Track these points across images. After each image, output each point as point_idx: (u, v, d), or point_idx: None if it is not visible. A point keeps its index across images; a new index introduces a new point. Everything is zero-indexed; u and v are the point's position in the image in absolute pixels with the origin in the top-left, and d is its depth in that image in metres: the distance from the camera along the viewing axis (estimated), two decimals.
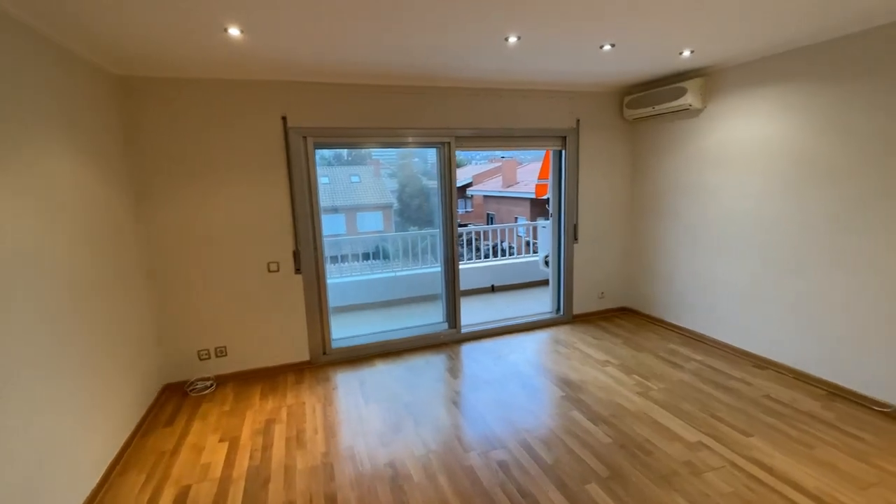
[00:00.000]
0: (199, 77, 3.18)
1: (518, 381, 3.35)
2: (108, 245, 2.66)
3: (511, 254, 6.48)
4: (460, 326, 4.25)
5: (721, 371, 3.38)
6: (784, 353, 3.33)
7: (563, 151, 4.40)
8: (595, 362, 3.63)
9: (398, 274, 5.67)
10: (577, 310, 4.69)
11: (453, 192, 4.02)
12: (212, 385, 3.42)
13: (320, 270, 3.69)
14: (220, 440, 2.72)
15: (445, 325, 4.28)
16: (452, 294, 4.21)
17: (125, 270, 2.87)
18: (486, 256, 6.35)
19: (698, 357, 3.65)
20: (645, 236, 4.55)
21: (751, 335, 3.57)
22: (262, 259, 3.51)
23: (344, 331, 4.15)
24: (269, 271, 3.54)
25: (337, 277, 5.63)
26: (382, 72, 3.30)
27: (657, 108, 3.98)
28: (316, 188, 3.61)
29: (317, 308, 3.71)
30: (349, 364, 3.79)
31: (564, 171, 4.42)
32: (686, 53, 3.13)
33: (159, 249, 3.25)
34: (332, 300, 4.96)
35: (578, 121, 4.35)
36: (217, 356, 3.51)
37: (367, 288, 5.49)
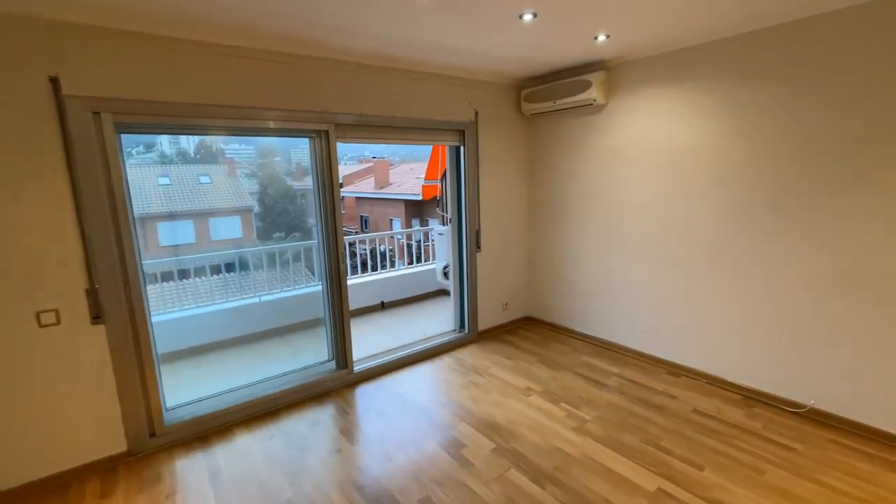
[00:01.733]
0: None
1: (436, 435, 2.65)
2: None
3: (391, 263, 5.76)
4: (352, 365, 3.38)
5: (642, 385, 3.17)
6: (695, 358, 3.25)
7: (462, 148, 3.84)
8: (516, 391, 3.13)
9: (264, 299, 4.50)
10: (482, 325, 4.19)
11: (336, 193, 3.14)
12: None
13: (136, 311, 2.48)
14: None
15: (333, 365, 3.37)
16: (340, 321, 3.32)
17: None
18: (373, 269, 5.51)
19: (615, 370, 3.41)
20: (548, 241, 4.26)
21: (661, 341, 3.46)
22: (25, 309, 2.18)
23: (186, 392, 2.95)
24: (42, 325, 2.22)
25: (174, 311, 4.20)
26: (232, 24, 2.28)
27: (558, 102, 3.66)
28: (124, 192, 2.39)
29: (135, 367, 2.49)
30: (196, 444, 2.64)
31: (464, 171, 3.86)
32: (601, 38, 2.79)
33: None
34: (167, 345, 3.65)
35: (477, 113, 3.83)
36: None
37: (222, 321, 4.21)
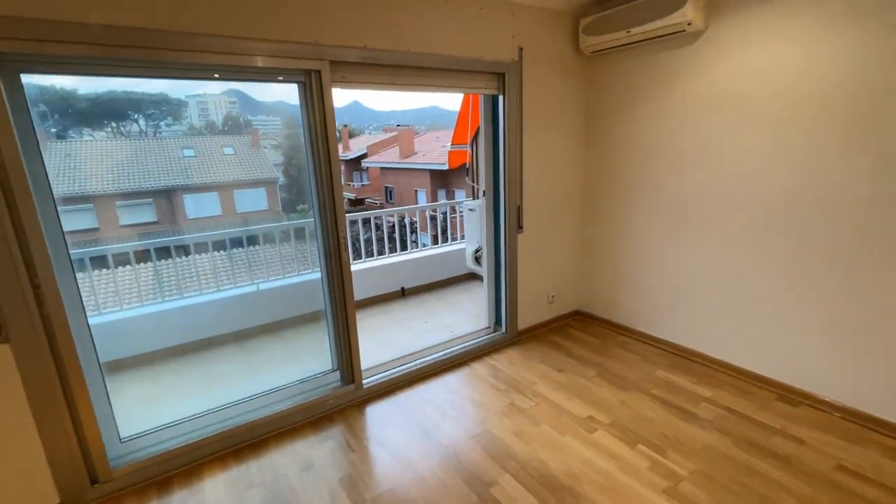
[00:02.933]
0: None
1: (469, 494, 1.92)
2: None
3: (415, 243, 4.97)
4: (360, 378, 2.67)
5: (749, 418, 2.33)
6: (822, 381, 2.38)
7: (502, 97, 2.94)
8: (575, 423, 2.35)
9: (263, 287, 3.83)
10: (522, 322, 3.40)
11: (333, 156, 2.34)
12: None
13: (55, 318, 1.80)
14: None
15: (336, 378, 2.67)
16: (343, 324, 2.59)
17: None
18: (392, 250, 4.76)
19: (705, 392, 2.58)
20: (608, 219, 3.37)
21: (767, 354, 2.58)
22: None
23: (148, 415, 2.31)
24: None
25: (135, 308, 3.41)
26: None
27: (633, 31, 2.70)
28: (21, 163, 1.67)
29: (58, 393, 1.84)
30: (152, 492, 2.01)
31: (504, 129, 2.98)
32: None
33: None
34: (134, 345, 3.06)
35: (522, 50, 2.91)
36: None
37: (204, 315, 3.55)
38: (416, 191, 22.12)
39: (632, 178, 3.13)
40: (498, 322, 3.42)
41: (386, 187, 25.09)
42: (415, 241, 4.84)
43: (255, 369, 3.25)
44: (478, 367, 2.98)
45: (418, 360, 2.97)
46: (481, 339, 3.28)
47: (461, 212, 4.59)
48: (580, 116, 3.34)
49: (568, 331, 3.49)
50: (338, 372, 2.67)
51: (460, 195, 20.81)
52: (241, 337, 3.61)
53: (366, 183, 28.91)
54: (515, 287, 3.29)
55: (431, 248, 4.76)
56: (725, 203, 2.63)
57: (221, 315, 3.59)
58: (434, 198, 20.91)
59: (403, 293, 4.51)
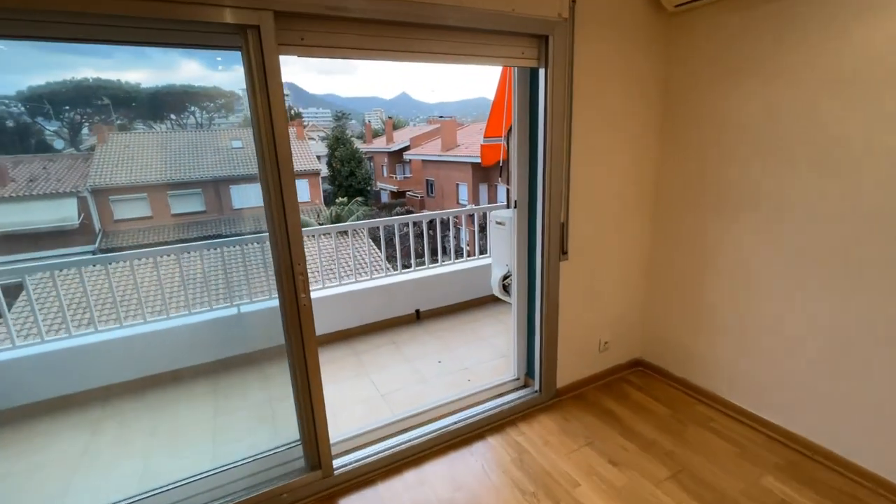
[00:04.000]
0: None
1: None
2: None
3: (448, 250, 4.12)
4: (329, 462, 1.93)
5: None
6: None
7: (544, 71, 2.08)
8: None
9: (204, 317, 3.06)
10: (563, 375, 2.54)
11: (283, 161, 1.59)
12: None
13: None
14: None
15: (298, 455, 1.95)
16: (304, 382, 1.85)
17: None
18: (405, 266, 4.01)
19: None
20: (693, 238, 2.42)
21: None
22: None
23: None
24: None
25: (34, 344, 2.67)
26: None
27: None
28: None
29: None
30: None
31: (546, 116, 2.12)
32: None
33: None
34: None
35: (574, 4, 2.03)
36: None
37: (117, 354, 2.81)
38: (457, 185, 21.32)
39: (731, 183, 2.18)
40: (530, 373, 2.59)
41: (427, 180, 24.46)
42: (454, 244, 4.04)
43: (196, 432, 2.51)
44: (497, 446, 2.17)
45: (417, 431, 2.20)
46: (506, 399, 2.46)
47: (489, 222, 3.75)
48: (654, 98, 2.41)
49: (625, 390, 2.59)
50: (300, 447, 1.94)
51: (503, 193, 19.80)
52: (161, 382, 2.88)
53: (408, 175, 28.47)
54: (555, 330, 2.43)
55: (454, 263, 3.95)
56: (882, 228, 1.65)
57: (139, 352, 2.85)
58: (475, 192, 20.02)
59: (418, 317, 3.75)
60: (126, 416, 2.66)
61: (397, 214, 18.19)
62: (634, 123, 2.38)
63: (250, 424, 2.57)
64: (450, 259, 3.98)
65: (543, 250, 2.28)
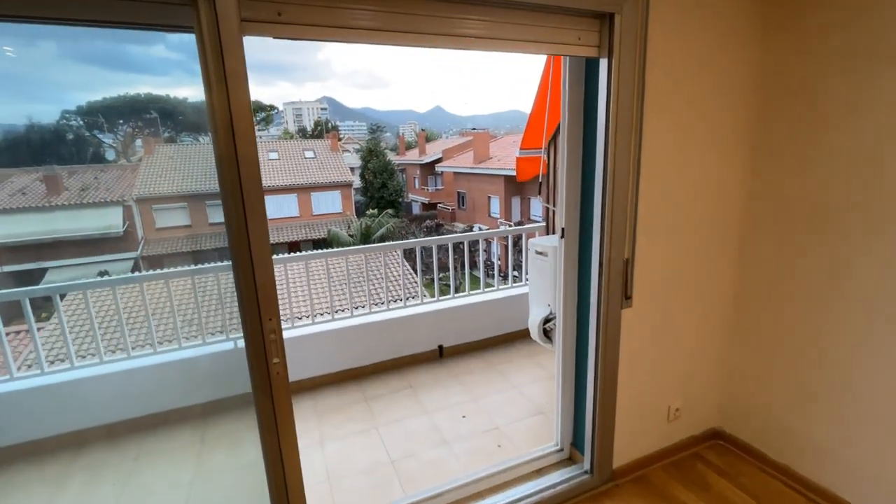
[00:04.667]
0: None
1: None
2: None
3: (477, 263, 3.60)
4: None
5: None
6: None
7: (606, 62, 1.58)
8: None
9: (197, 352, 2.65)
10: (621, 450, 1.98)
11: (246, 180, 1.15)
12: None
13: None
14: None
15: None
16: (276, 457, 1.39)
17: None
18: (437, 293, 3.54)
19: None
20: (794, 281, 1.83)
21: None
22: None
23: None
24: None
25: None
26: None
27: None
28: None
29: None
30: None
31: (605, 120, 1.61)
32: None
33: None
34: None
35: None
36: None
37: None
38: (488, 197, 20.84)
39: (861, 205, 1.59)
40: (577, 444, 2.05)
41: (458, 192, 24.10)
42: (484, 257, 3.54)
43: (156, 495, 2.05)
44: None
45: None
46: (548, 480, 1.92)
47: (526, 249, 3.17)
48: (754, 99, 1.85)
49: (701, 472, 2.00)
50: None
51: (537, 206, 19.10)
52: (142, 427, 2.45)
53: (439, 187, 28.24)
54: (612, 394, 1.88)
55: (483, 293, 3.44)
56: None
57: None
58: (507, 206, 19.45)
59: (441, 354, 3.26)
60: (98, 468, 2.29)
61: (427, 227, 17.85)
62: (725, 131, 1.84)
63: (233, 492, 2.14)
64: (479, 286, 3.47)
65: (600, 294, 1.76)
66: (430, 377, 2.99)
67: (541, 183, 3.43)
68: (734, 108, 1.83)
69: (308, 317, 2.98)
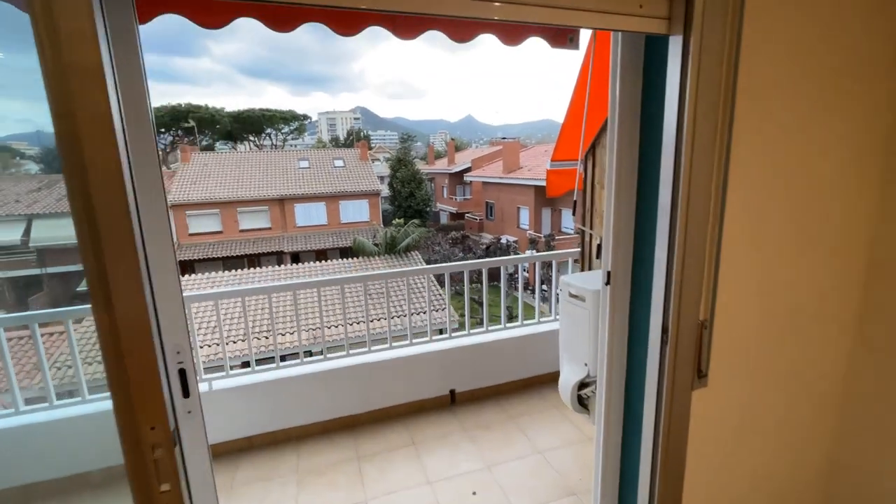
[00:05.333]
0: None
1: None
2: None
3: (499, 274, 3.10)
4: None
5: None
6: None
7: (681, 40, 1.08)
8: None
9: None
10: None
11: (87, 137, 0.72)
12: None
13: None
14: None
15: None
16: None
17: None
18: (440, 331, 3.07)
19: None
20: None
21: None
22: None
23: None
24: None
25: None
26: None
27: None
28: None
29: None
30: None
31: (676, 124, 1.11)
32: None
33: None
34: None
35: None
36: None
37: None
38: (517, 208, 20.25)
39: None
40: None
41: (487, 202, 23.61)
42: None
43: None
44: None
45: None
46: None
47: (556, 288, 2.57)
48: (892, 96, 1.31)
49: None
50: None
51: (569, 218, 18.33)
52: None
53: (467, 197, 27.84)
54: (678, 496, 1.35)
55: (504, 329, 2.94)
56: None
57: None
58: (537, 217, 18.79)
59: (453, 400, 2.78)
60: None
61: (453, 238, 17.40)
62: (849, 143, 1.30)
63: None
64: (498, 324, 2.97)
65: (663, 367, 1.25)
66: (437, 431, 2.51)
67: (575, 201, 2.92)
68: (871, 111, 1.29)
69: (295, 354, 2.56)
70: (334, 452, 2.34)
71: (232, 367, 2.45)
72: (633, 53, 1.25)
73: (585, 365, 1.71)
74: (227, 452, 2.37)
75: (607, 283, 1.40)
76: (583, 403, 1.75)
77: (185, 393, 0.99)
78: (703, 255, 1.18)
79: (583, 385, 1.73)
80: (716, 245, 1.18)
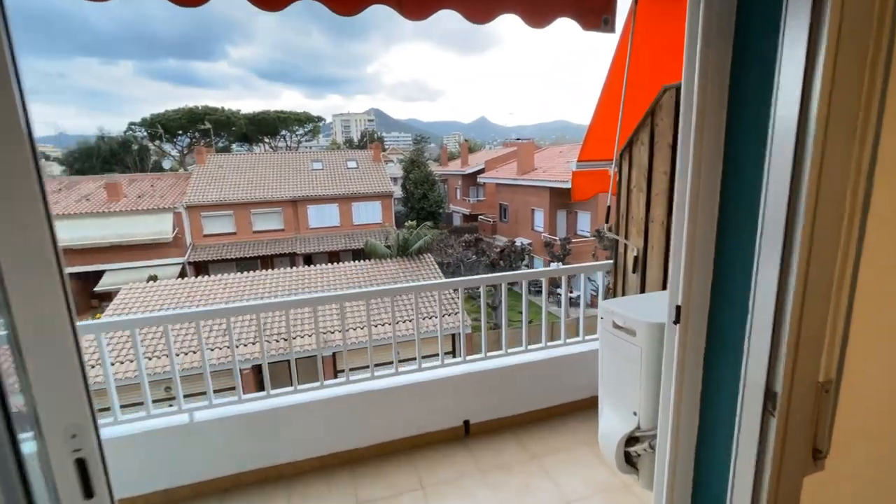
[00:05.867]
0: None
1: None
2: None
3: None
4: None
5: None
6: None
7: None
8: None
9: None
10: None
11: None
12: None
13: None
14: None
15: None
16: None
17: None
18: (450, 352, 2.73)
19: None
20: None
21: None
22: None
23: None
24: None
25: None
26: None
27: None
28: None
29: None
30: None
31: (796, 115, 0.76)
32: None
33: None
34: None
35: None
36: None
37: None
38: (532, 210, 19.79)
39: None
40: None
41: (500, 204, 23.20)
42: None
43: None
44: None
45: None
46: None
47: (597, 331, 2.13)
48: None
49: None
50: None
51: (584, 221, 17.75)
52: None
53: (481, 199, 27.46)
54: None
55: (526, 353, 2.58)
56: None
57: None
58: (552, 220, 18.30)
59: (467, 432, 2.44)
60: None
61: (465, 242, 17.03)
62: None
63: None
64: (519, 347, 2.62)
65: (764, 443, 0.90)
66: (449, 471, 2.17)
67: (609, 207, 2.56)
68: None
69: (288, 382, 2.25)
70: (330, 496, 2.03)
71: (216, 392, 2.15)
72: (722, 6, 0.91)
73: (635, 414, 1.37)
74: (212, 492, 2.08)
75: (676, 320, 1.06)
76: (630, 462, 1.41)
77: (88, 493, 0.68)
78: (830, 292, 0.83)
79: (631, 439, 1.39)
80: (851, 283, 0.83)
